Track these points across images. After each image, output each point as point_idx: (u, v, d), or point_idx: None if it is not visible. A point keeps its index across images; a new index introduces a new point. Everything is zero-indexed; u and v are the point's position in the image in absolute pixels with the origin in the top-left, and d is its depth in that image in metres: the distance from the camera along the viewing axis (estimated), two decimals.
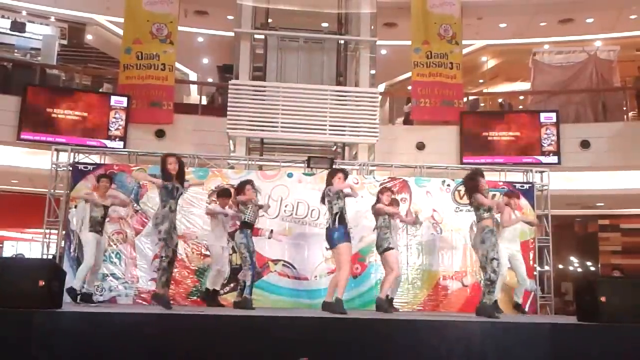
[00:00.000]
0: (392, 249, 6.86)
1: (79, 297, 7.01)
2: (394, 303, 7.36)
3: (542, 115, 11.10)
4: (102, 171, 8.11)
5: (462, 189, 8.55)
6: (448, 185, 8.65)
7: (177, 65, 12.33)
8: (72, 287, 6.91)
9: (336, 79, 10.26)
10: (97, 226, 7.10)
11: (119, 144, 10.40)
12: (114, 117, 10.55)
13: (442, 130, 11.34)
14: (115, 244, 8.00)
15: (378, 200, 7.09)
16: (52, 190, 8.37)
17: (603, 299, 5.28)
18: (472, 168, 7.24)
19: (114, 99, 10.67)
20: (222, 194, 7.52)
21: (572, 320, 5.89)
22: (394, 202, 7.31)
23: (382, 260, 7.01)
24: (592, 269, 14.14)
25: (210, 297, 7.31)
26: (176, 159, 6.20)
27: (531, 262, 8.37)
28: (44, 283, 4.91)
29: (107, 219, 7.40)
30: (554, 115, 11.06)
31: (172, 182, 6.10)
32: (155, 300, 6.06)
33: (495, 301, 6.35)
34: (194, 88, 15.33)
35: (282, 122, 9.34)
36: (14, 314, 4.61)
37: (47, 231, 8.28)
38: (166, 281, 6.05)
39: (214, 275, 7.39)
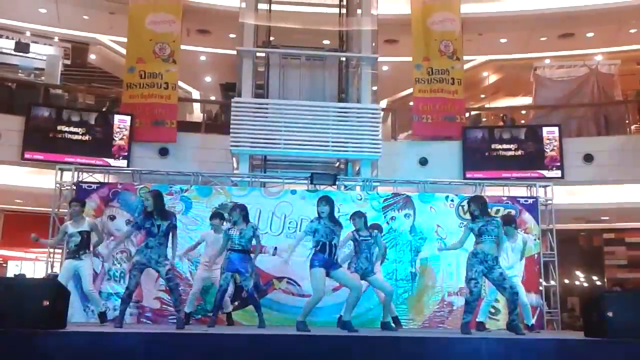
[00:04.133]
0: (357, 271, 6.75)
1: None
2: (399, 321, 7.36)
3: (545, 130, 11.13)
4: (106, 190, 8.14)
5: (465, 204, 8.55)
6: (452, 200, 8.63)
7: (180, 83, 12.40)
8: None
9: (338, 96, 10.29)
10: (73, 253, 6.81)
11: (122, 163, 10.44)
12: (118, 136, 10.59)
13: (444, 146, 11.37)
14: (119, 263, 7.98)
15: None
16: (56, 210, 8.38)
17: (610, 314, 5.23)
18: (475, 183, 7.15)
19: (117, 118, 10.73)
20: (214, 216, 7.45)
21: (579, 336, 5.84)
22: (376, 226, 7.25)
23: None
24: (598, 283, 14.04)
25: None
26: (151, 195, 6.15)
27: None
28: (48, 303, 4.89)
29: (112, 238, 7.19)
30: (556, 129, 11.09)
31: (152, 219, 6.01)
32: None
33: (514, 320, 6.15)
34: (197, 106, 15.41)
35: (284, 139, 9.36)
36: (17, 334, 4.59)
37: (51, 251, 8.27)
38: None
39: (190, 298, 7.33)
